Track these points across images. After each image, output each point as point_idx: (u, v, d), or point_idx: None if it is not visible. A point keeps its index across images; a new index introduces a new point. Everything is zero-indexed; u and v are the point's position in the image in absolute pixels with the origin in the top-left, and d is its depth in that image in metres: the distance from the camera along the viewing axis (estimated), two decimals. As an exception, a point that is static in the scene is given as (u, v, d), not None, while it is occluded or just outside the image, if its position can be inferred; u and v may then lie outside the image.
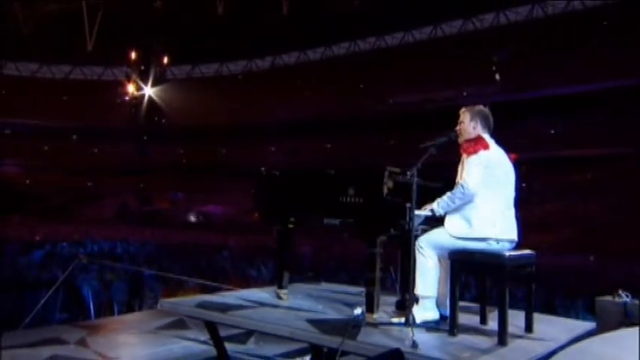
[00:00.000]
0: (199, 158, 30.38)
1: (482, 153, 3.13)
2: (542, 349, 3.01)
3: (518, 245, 3.32)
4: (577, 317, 7.88)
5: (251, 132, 30.41)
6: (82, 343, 4.88)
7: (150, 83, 24.51)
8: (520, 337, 3.20)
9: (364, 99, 29.85)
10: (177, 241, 16.65)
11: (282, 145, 31.25)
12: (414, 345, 2.74)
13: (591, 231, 19.93)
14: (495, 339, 3.02)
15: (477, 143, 3.17)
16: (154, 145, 30.87)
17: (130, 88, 24.51)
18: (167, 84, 25.87)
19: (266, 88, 30.97)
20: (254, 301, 3.74)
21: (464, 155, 3.21)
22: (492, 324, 3.29)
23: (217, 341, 3.61)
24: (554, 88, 24.95)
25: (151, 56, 24.83)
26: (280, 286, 3.89)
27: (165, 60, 25.89)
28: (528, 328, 3.32)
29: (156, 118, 27.68)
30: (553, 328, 3.51)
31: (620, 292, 4.38)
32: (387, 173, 3.21)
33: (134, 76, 24.45)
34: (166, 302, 3.85)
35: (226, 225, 24.59)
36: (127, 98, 24.69)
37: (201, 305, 3.58)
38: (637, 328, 3.89)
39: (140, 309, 8.85)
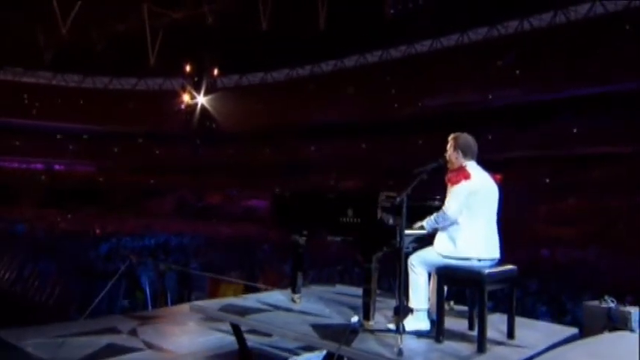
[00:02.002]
0: (246, 158, 30.99)
1: (463, 183, 3.18)
2: (517, 356, 3.03)
3: (502, 261, 3.36)
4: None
5: (292, 134, 30.75)
6: (133, 333, 5.18)
7: (202, 93, 25.16)
8: (500, 343, 3.22)
9: (395, 103, 29.68)
10: (226, 235, 17.04)
11: (321, 144, 31.49)
12: (400, 353, 2.85)
13: (609, 226, 19.23)
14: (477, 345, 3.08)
15: (459, 174, 3.22)
16: (206, 147, 31.67)
17: (185, 98, 25.27)
18: (217, 93, 26.47)
19: (306, 94, 31.27)
20: (270, 304, 3.91)
21: (448, 184, 3.27)
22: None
23: (240, 339, 3.81)
24: (575, 89, 24.11)
25: (203, 68, 25.48)
26: (294, 291, 4.05)
27: (216, 71, 26.50)
28: (510, 334, 3.33)
29: (207, 124, 28.38)
30: (535, 334, 3.49)
31: (606, 297, 4.33)
32: (381, 197, 3.31)
33: (188, 87, 25.17)
34: (196, 305, 4.09)
35: (270, 218, 25.02)
36: (182, 106, 25.44)
37: (224, 309, 3.79)
38: (613, 334, 3.88)
39: (189, 297, 9.24)
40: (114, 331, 5.26)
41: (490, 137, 28.00)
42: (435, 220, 3.25)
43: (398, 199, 3.15)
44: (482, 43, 28.42)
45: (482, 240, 3.18)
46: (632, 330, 3.93)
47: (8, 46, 27.31)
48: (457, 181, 3.18)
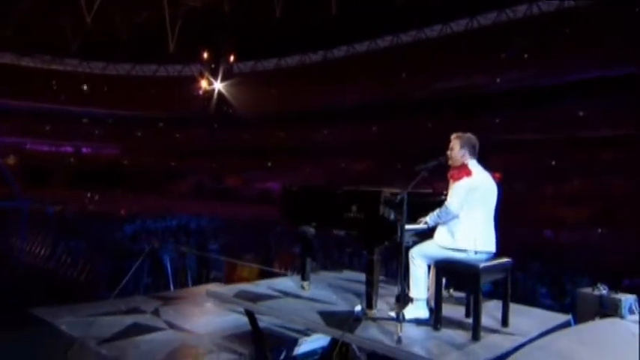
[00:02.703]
0: (262, 141, 31.10)
1: (465, 180, 3.24)
2: (509, 344, 3.10)
3: (497, 254, 3.42)
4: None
5: (306, 117, 30.74)
6: (155, 313, 5.37)
7: (219, 79, 25.20)
8: (495, 331, 3.30)
9: (405, 87, 29.38)
10: (242, 216, 17.20)
11: (334, 128, 31.43)
12: (399, 341, 2.95)
13: (613, 208, 19.02)
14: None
15: (461, 171, 3.28)
16: (223, 131, 31.82)
17: (203, 84, 25.33)
18: (234, 78, 26.47)
19: (319, 79, 31.09)
20: (281, 291, 4.03)
21: (450, 180, 3.32)
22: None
23: (253, 323, 3.95)
24: (583, 72, 23.60)
25: (220, 55, 25.45)
26: (303, 278, 4.16)
27: (232, 58, 26.44)
28: (504, 322, 3.41)
29: (224, 109, 28.47)
30: (528, 321, 3.56)
31: (599, 285, 4.37)
32: (384, 195, 3.38)
33: (206, 74, 25.21)
34: (211, 291, 4.22)
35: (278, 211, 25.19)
36: (200, 92, 25.55)
37: (238, 295, 3.92)
38: (603, 321, 3.93)
39: (208, 276, 9.45)
40: (138, 311, 5.46)
41: (497, 120, 27.72)
42: (438, 216, 3.32)
43: (399, 197, 3.21)
44: (491, 28, 27.89)
45: (480, 234, 3.25)
46: (621, 317, 3.98)
47: (37, 35, 27.60)
48: (459, 178, 3.25)
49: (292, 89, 31.31)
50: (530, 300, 7.85)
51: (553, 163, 24.98)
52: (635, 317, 4.00)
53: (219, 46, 25.63)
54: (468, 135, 3.49)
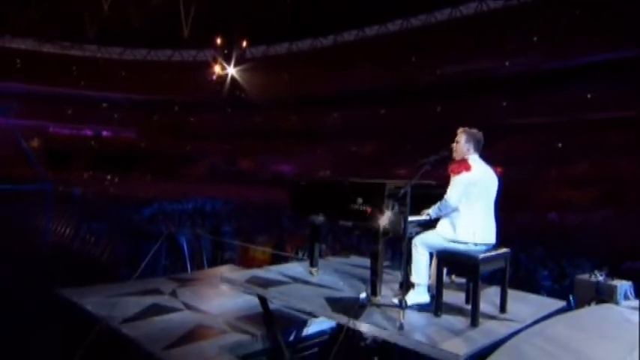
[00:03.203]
0: (274, 125, 31.09)
1: (464, 174, 3.27)
2: (506, 330, 3.17)
3: (498, 245, 3.47)
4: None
5: (317, 101, 30.60)
6: (173, 294, 5.55)
7: (232, 64, 25.13)
8: (493, 317, 3.37)
9: (414, 70, 29.03)
10: (255, 199, 17.29)
11: (344, 112, 31.27)
12: (401, 327, 3.04)
13: (620, 190, 18.80)
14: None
15: (461, 166, 3.30)
16: (236, 114, 31.82)
17: (216, 69, 25.28)
18: (246, 63, 26.38)
19: (329, 63, 30.81)
20: (290, 277, 4.12)
21: (450, 174, 3.35)
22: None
23: (264, 306, 4.07)
24: (592, 55, 23.09)
25: (233, 41, 25.33)
26: (311, 264, 4.26)
27: (245, 43, 26.30)
28: (502, 308, 3.47)
29: (237, 93, 28.44)
30: (526, 308, 3.61)
31: (596, 272, 4.41)
32: (388, 187, 3.43)
33: (219, 59, 25.14)
34: (225, 277, 4.32)
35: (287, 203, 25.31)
36: (214, 77, 25.52)
37: (250, 280, 4.03)
38: (597, 307, 3.98)
39: (222, 257, 9.62)
40: (157, 292, 5.64)
41: (505, 103, 27.34)
42: (439, 209, 3.38)
43: (402, 191, 3.25)
44: (500, 11, 27.26)
45: (480, 227, 3.30)
46: (616, 302, 4.03)
47: (57, 22, 27.70)
48: (459, 172, 3.28)
49: (303, 73, 31.10)
50: (531, 282, 7.92)
51: (560, 145, 24.68)
52: (630, 303, 4.05)
53: (232, 31, 25.47)
54: (475, 130, 3.52)
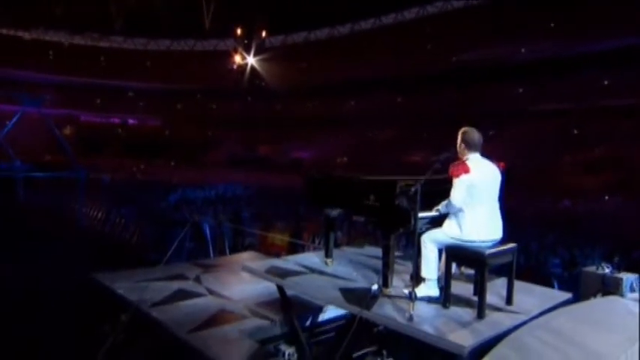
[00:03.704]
0: (292, 112, 31.12)
1: (463, 177, 3.26)
2: (511, 322, 3.19)
3: (504, 239, 3.49)
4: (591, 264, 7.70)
5: (334, 89, 30.47)
6: (197, 280, 5.72)
7: (252, 54, 25.14)
8: (499, 309, 3.39)
9: (430, 58, 28.58)
10: (274, 184, 17.44)
11: (361, 99, 31.09)
12: (410, 319, 3.11)
13: (633, 176, 18.37)
14: (478, 311, 3.29)
15: (459, 168, 3.29)
16: (256, 102, 31.91)
17: (237, 58, 25.35)
18: (265, 53, 26.34)
19: (346, 51, 30.56)
20: (306, 267, 4.19)
21: (452, 176, 3.35)
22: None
23: (282, 294, 4.18)
24: (610, 41, 22.35)
25: (252, 31, 25.31)
26: (326, 255, 4.33)
27: (264, 33, 26.24)
28: (509, 300, 3.49)
29: (257, 82, 28.50)
30: (531, 300, 3.61)
31: (603, 264, 4.38)
32: (399, 185, 3.47)
33: (239, 49, 25.19)
34: (246, 266, 4.43)
35: (313, 167, 25.42)
36: (234, 66, 25.61)
37: (269, 271, 4.14)
38: (601, 299, 3.97)
39: (243, 242, 9.80)
40: (183, 277, 5.82)
41: (521, 90, 26.77)
42: (445, 208, 3.41)
43: (413, 189, 3.28)
44: (517, -2, 26.42)
45: (484, 224, 3.31)
46: (622, 295, 4.01)
47: (87, 15, 28.05)
48: (458, 175, 3.27)
49: (321, 62, 30.94)
50: (542, 270, 7.89)
51: (575, 132, 24.15)
52: (635, 295, 4.02)
53: (252, 22, 25.42)
54: (468, 130, 3.45)
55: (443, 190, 3.55)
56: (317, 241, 8.86)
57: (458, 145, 3.43)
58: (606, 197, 16.76)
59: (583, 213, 14.33)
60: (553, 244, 9.07)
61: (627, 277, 4.13)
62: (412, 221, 3.37)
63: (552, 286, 6.91)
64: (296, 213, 10.76)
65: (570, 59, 23.80)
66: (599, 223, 11.79)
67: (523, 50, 26.18)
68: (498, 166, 3.52)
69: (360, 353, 4.08)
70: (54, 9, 26.42)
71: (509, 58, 25.98)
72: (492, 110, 25.41)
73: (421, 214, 3.41)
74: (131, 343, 4.41)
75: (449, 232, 3.39)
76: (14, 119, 15.52)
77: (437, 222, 3.56)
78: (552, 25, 25.13)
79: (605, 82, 23.85)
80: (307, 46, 32.48)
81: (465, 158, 3.37)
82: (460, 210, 3.31)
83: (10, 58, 27.82)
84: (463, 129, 3.46)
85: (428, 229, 3.55)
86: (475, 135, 3.40)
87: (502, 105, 25.69)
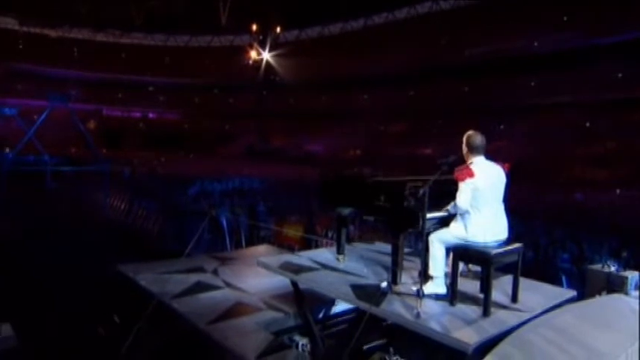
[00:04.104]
0: (306, 105, 31.09)
1: (467, 181, 3.29)
2: (515, 320, 3.22)
3: (510, 240, 3.51)
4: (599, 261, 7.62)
5: (347, 83, 30.32)
6: (215, 272, 5.82)
7: (267, 49, 25.17)
8: (504, 307, 3.42)
9: (443, 52, 28.21)
10: (288, 176, 17.49)
11: (373, 93, 30.88)
12: (418, 316, 3.17)
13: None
14: (484, 308, 3.32)
15: (464, 173, 3.31)
16: (270, 96, 31.95)
17: (252, 54, 25.40)
18: (280, 49, 26.35)
19: (360, 46, 30.33)
20: (319, 263, 4.26)
21: (457, 180, 3.37)
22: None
23: (296, 288, 4.27)
24: (623, 33, 21.76)
25: (267, 27, 25.31)
26: (338, 251, 4.40)
27: (278, 29, 26.21)
28: (514, 298, 3.52)
29: (271, 77, 28.54)
30: (536, 297, 3.62)
31: (609, 263, 4.37)
32: (408, 187, 3.51)
33: (255, 44, 25.23)
34: (261, 261, 4.49)
35: (327, 160, 25.48)
36: (250, 62, 25.69)
37: (283, 266, 4.22)
38: (605, 297, 3.96)
39: (258, 235, 9.93)
40: (201, 270, 5.92)
41: (533, 83, 26.27)
42: (452, 209, 3.45)
43: (421, 191, 3.32)
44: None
45: (489, 227, 3.34)
46: (626, 293, 4.00)
47: (108, 12, 28.39)
48: (462, 179, 3.30)
49: (334, 56, 30.77)
50: (551, 264, 7.84)
51: (588, 124, 23.67)
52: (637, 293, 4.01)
53: (267, 18, 25.42)
54: (471, 133, 3.46)
55: (451, 191, 3.58)
56: (330, 234, 8.92)
57: (463, 151, 3.45)
58: (618, 191, 16.46)
59: (594, 207, 14.11)
60: (562, 239, 8.99)
61: (632, 276, 4.13)
62: (420, 222, 3.42)
63: (560, 281, 6.93)
64: (309, 206, 10.84)
65: (583, 52, 23.25)
66: (610, 217, 11.62)
67: (536, 44, 25.64)
68: (503, 168, 3.54)
69: (369, 346, 4.15)
70: (78, 8, 26.79)
71: (521, 51, 25.49)
72: (504, 103, 25.07)
73: (429, 215, 3.45)
74: (155, 333, 4.56)
75: (455, 232, 3.43)
76: (43, 116, 15.88)
77: (445, 221, 3.60)
78: (565, 18, 24.55)
79: (619, 75, 23.26)
80: (321, 41, 32.31)
81: (469, 162, 3.39)
82: (466, 212, 3.34)
83: (38, 55, 28.38)
84: (467, 133, 3.48)
85: (436, 228, 3.59)
86: (478, 138, 3.42)
87: (514, 98, 25.30)
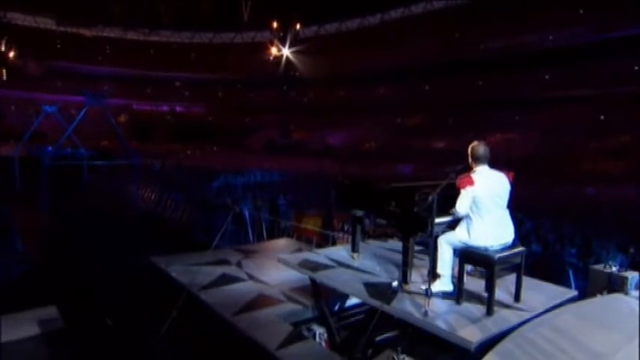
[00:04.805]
0: (324, 99, 31.07)
1: (467, 189, 3.37)
2: (517, 319, 3.32)
3: (516, 242, 3.59)
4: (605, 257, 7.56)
5: (364, 77, 30.14)
6: (239, 265, 6.02)
7: (287, 46, 25.20)
8: (507, 306, 3.51)
9: (458, 46, 27.71)
10: (307, 169, 17.61)
11: (389, 87, 30.64)
12: (425, 314, 3.30)
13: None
14: (489, 308, 3.42)
15: (465, 181, 3.39)
16: (291, 90, 32.01)
17: (273, 50, 25.48)
18: (300, 45, 26.31)
19: (376, 40, 30.02)
20: (335, 261, 4.41)
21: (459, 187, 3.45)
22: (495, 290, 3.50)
23: (313, 284, 4.44)
24: (635, 28, 21.00)
25: (287, 25, 25.30)
26: (353, 250, 4.55)
27: (298, 26, 26.17)
28: (517, 297, 3.61)
29: (291, 73, 28.57)
30: (538, 297, 3.70)
31: (610, 263, 4.39)
32: (417, 194, 3.61)
33: (275, 41, 25.28)
34: (281, 258, 4.65)
35: (345, 153, 25.52)
36: (271, 58, 25.79)
37: (301, 264, 4.38)
38: (605, 297, 3.99)
39: (279, 227, 10.13)
40: (226, 262, 6.13)
41: (547, 77, 25.63)
42: (455, 214, 3.54)
43: (430, 198, 3.42)
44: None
45: (492, 232, 3.42)
46: (626, 293, 4.01)
47: (137, 12, 28.82)
48: (463, 186, 3.39)
49: (352, 51, 30.56)
50: (558, 258, 7.81)
51: (602, 118, 23.04)
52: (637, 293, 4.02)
53: (287, 15, 25.40)
54: (474, 144, 3.53)
55: (457, 195, 3.67)
56: (346, 227, 9.06)
57: (468, 159, 3.53)
58: (629, 185, 16.06)
59: (605, 201, 13.85)
60: (571, 234, 8.91)
61: (633, 276, 4.12)
62: (429, 227, 3.53)
63: (567, 275, 6.93)
64: (327, 200, 11.00)
65: (598, 45, 22.55)
66: (619, 213, 11.42)
67: (551, 37, 24.96)
68: (508, 176, 3.60)
69: (381, 337, 4.31)
70: (111, 8, 27.33)
71: (536, 45, 24.86)
72: (519, 97, 24.59)
73: (438, 220, 3.55)
74: (187, 322, 4.80)
75: (460, 236, 3.54)
76: (81, 114, 16.38)
77: (454, 225, 3.70)
78: (581, 11, 23.77)
79: (636, 68, 22.51)
80: (339, 37, 32.09)
81: (473, 170, 3.47)
82: (468, 217, 3.44)
83: (74, 53, 29.10)
84: (471, 144, 3.54)
85: (444, 231, 3.70)
86: (480, 149, 3.49)
87: (528, 91, 24.78)
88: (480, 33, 26.63)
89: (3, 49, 24.60)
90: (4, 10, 25.97)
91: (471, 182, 3.37)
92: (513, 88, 25.24)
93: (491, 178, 3.47)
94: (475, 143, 3.53)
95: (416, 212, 3.60)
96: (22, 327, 5.24)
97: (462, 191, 3.40)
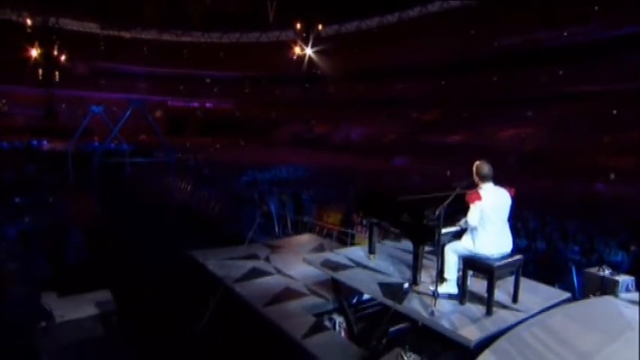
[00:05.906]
0: (345, 95, 31.07)
1: (476, 203, 3.59)
2: (513, 319, 3.53)
3: (515, 251, 3.80)
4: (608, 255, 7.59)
5: (382, 74, 29.98)
6: (267, 259, 6.26)
7: (310, 45, 25.29)
8: (505, 306, 3.72)
9: (473, 43, 27.18)
10: (329, 162, 17.79)
11: (407, 83, 30.40)
12: (432, 313, 3.56)
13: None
14: (489, 308, 3.66)
15: (473, 197, 3.60)
16: (313, 87, 32.10)
17: (296, 50, 25.62)
18: (321, 45, 26.36)
19: (394, 38, 29.73)
20: (353, 261, 4.67)
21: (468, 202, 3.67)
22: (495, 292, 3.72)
23: (335, 282, 4.74)
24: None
25: (310, 25, 25.37)
26: (370, 251, 4.81)
27: (320, 27, 26.19)
28: (514, 298, 3.82)
29: (313, 70, 28.67)
30: (535, 298, 3.87)
31: (604, 267, 4.50)
32: (426, 211, 3.84)
33: (298, 41, 25.42)
34: (306, 258, 4.94)
35: (364, 146, 25.58)
36: (294, 57, 25.95)
37: (323, 264, 4.67)
38: (596, 298, 4.13)
39: (302, 221, 10.45)
40: (256, 257, 6.37)
41: (561, 72, 24.93)
42: (465, 224, 3.78)
43: (437, 212, 3.65)
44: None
45: (494, 242, 3.65)
46: (616, 295, 4.14)
47: (171, 14, 29.37)
48: (472, 201, 3.61)
49: (371, 49, 30.38)
50: (562, 255, 7.88)
51: (615, 112, 22.35)
52: (628, 295, 4.13)
53: (310, 16, 25.46)
54: (479, 164, 3.71)
55: (463, 208, 3.90)
56: (364, 222, 9.30)
57: (474, 177, 3.74)
58: (636, 180, 15.67)
59: (610, 196, 13.61)
60: (575, 232, 8.91)
61: (623, 279, 4.22)
62: (436, 237, 3.78)
63: (570, 271, 7.01)
64: (347, 195, 11.26)
65: (612, 41, 21.79)
66: (623, 211, 11.26)
67: (565, 34, 24.21)
68: (509, 192, 3.80)
69: (394, 329, 4.59)
70: (147, 11, 27.96)
71: (550, 41, 24.19)
72: (532, 93, 24.05)
73: (444, 230, 3.79)
74: (223, 312, 5.19)
75: (465, 245, 3.78)
76: (126, 115, 17.01)
77: (459, 234, 3.93)
78: (596, 8, 22.93)
79: (650, 63, 21.62)
80: (359, 35, 31.88)
81: (479, 187, 3.69)
82: (474, 228, 3.67)
83: (115, 54, 29.99)
84: (475, 164, 3.73)
85: (450, 240, 3.94)
86: (485, 168, 3.69)
87: (542, 87, 24.21)
88: (494, 30, 26.06)
89: (56, 53, 25.65)
90: (57, 17, 26.98)
91: (479, 198, 3.59)
92: (527, 83, 24.70)
93: (496, 193, 3.68)
94: (479, 163, 3.72)
95: (425, 224, 3.85)
96: (82, 307, 5.74)
97: (472, 206, 3.61)
